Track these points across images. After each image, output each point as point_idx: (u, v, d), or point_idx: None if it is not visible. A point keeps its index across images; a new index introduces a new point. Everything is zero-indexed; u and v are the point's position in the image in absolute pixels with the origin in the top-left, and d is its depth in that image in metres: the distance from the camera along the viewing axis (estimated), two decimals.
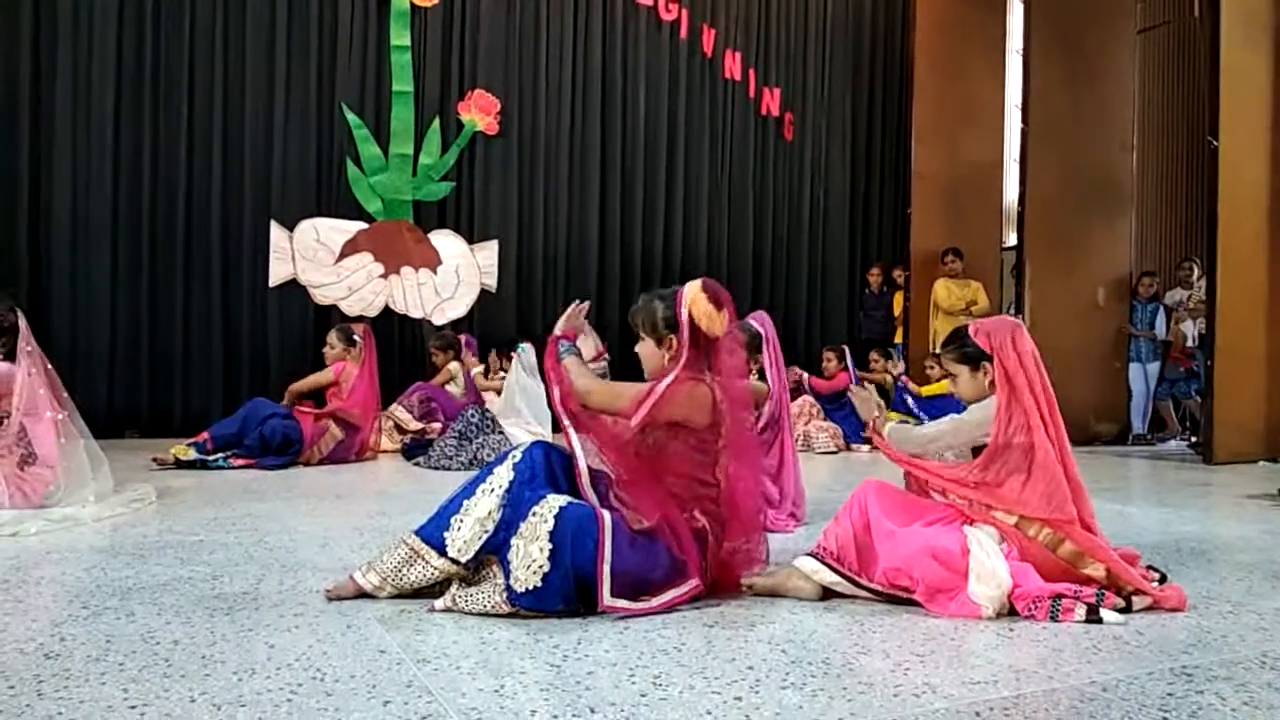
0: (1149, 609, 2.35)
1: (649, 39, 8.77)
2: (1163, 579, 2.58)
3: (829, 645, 2.04)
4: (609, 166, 8.61)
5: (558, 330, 2.60)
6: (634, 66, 8.70)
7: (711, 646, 2.00)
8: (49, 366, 3.63)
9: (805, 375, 7.65)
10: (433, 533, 2.28)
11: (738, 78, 9.19)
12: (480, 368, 6.80)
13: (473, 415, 5.75)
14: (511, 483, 2.29)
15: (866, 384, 7.67)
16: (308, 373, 5.97)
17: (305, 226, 7.38)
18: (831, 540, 2.46)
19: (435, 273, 7.81)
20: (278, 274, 7.27)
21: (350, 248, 7.52)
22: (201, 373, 7.09)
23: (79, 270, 6.72)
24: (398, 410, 6.31)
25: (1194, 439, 7.86)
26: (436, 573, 2.27)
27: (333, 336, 5.92)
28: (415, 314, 7.77)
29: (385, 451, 6.15)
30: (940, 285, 8.58)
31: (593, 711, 1.61)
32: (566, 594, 2.15)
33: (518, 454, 2.36)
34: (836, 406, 7.41)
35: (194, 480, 4.63)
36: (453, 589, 2.25)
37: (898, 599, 2.36)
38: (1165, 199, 9.84)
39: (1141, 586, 2.36)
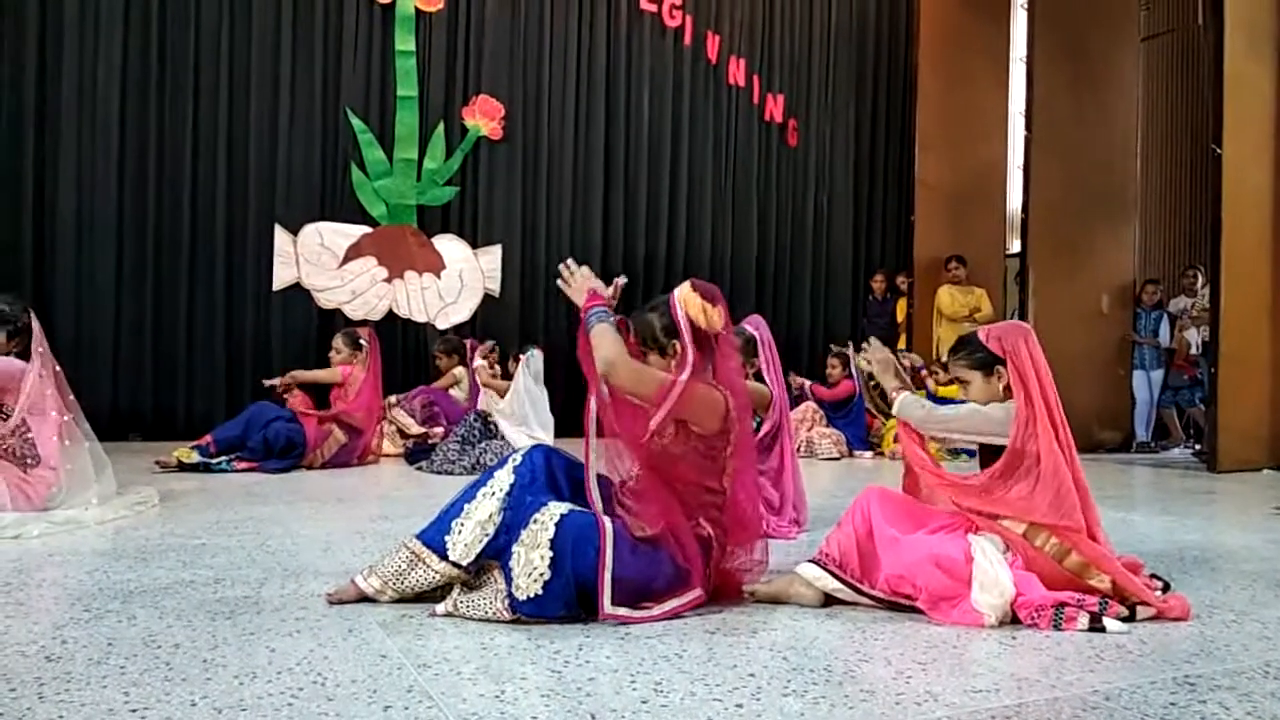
0: (1152, 618, 2.34)
1: (653, 45, 8.79)
2: (1166, 587, 2.57)
3: (831, 652, 2.03)
4: (612, 172, 8.63)
5: (577, 299, 2.41)
6: (638, 72, 8.72)
7: (713, 653, 2.00)
8: (57, 369, 3.64)
9: (807, 383, 7.64)
10: (434, 536, 2.28)
11: (741, 84, 9.20)
12: (483, 363, 6.73)
13: (475, 420, 5.76)
14: (512, 486, 2.29)
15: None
16: None
17: (309, 230, 7.39)
18: (834, 547, 2.45)
19: (439, 277, 7.82)
20: (282, 278, 7.29)
21: (354, 252, 7.53)
22: (205, 376, 7.11)
23: (83, 272, 6.74)
24: (398, 413, 6.31)
25: (1198, 447, 7.85)
26: (437, 576, 2.27)
27: (339, 341, 5.93)
28: (419, 318, 7.77)
29: (388, 456, 6.16)
30: (944, 292, 8.59)
31: (594, 718, 1.60)
32: (568, 601, 2.15)
33: (518, 457, 2.36)
34: (841, 414, 7.40)
35: (197, 483, 4.64)
36: (454, 594, 2.25)
37: (900, 606, 2.35)
38: (1169, 206, 9.84)
39: (1147, 599, 2.34)
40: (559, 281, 2.48)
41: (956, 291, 8.57)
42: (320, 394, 5.86)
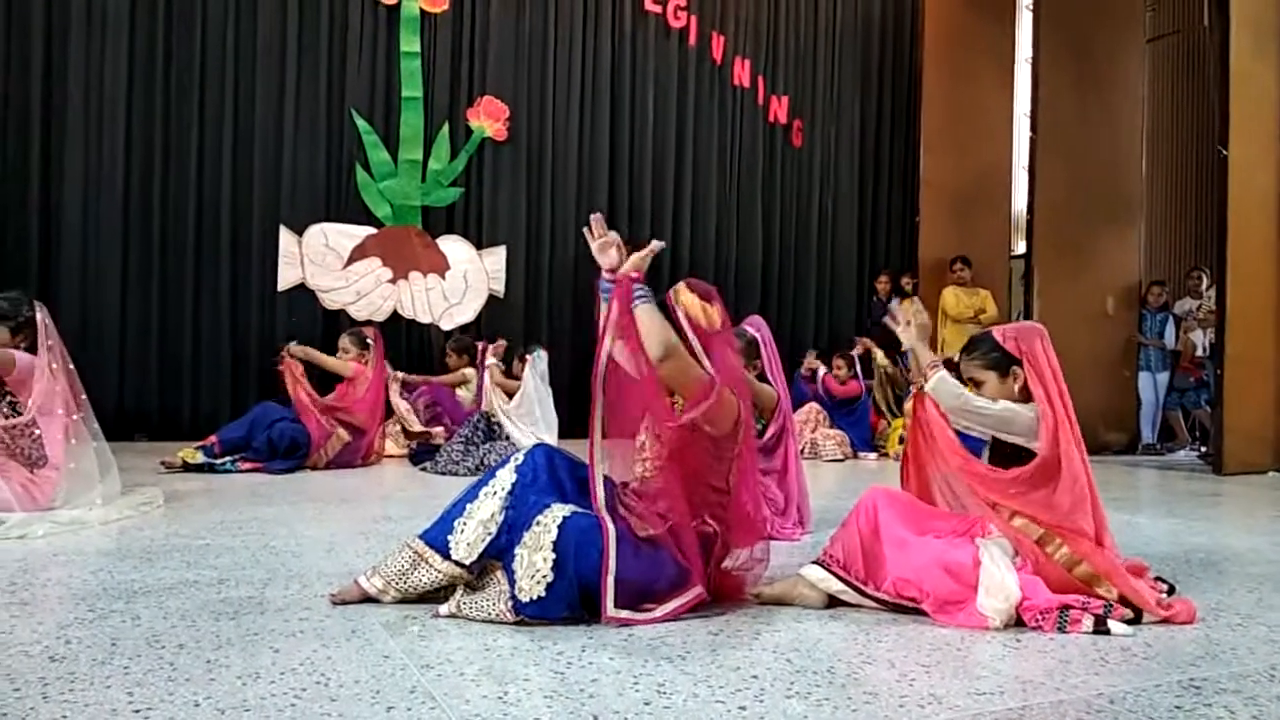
0: (1158, 621, 2.33)
1: (657, 46, 8.79)
2: (1171, 590, 2.57)
3: (834, 654, 2.03)
4: (617, 173, 8.63)
5: (628, 268, 2.33)
6: (642, 73, 8.72)
7: (716, 655, 1.99)
8: (70, 365, 3.64)
9: (821, 368, 7.60)
10: (436, 536, 2.28)
11: (746, 85, 9.20)
12: (495, 362, 6.68)
13: (479, 421, 5.77)
14: (514, 484, 2.29)
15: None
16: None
17: (314, 231, 7.40)
18: (838, 548, 2.45)
19: (443, 278, 7.82)
20: (286, 278, 7.29)
21: (359, 253, 7.54)
22: (210, 376, 7.12)
23: (89, 273, 6.75)
24: (400, 403, 6.32)
25: (1203, 449, 7.82)
26: (440, 576, 2.27)
27: (345, 341, 5.94)
28: (423, 319, 7.78)
29: (391, 456, 6.17)
30: (949, 293, 8.58)
31: (596, 719, 1.60)
32: (571, 602, 2.15)
33: (520, 456, 2.36)
34: (845, 413, 7.40)
35: (201, 484, 4.64)
36: (457, 595, 2.24)
37: (904, 608, 2.35)
38: (1175, 208, 9.82)
39: (1155, 611, 2.33)
40: (586, 230, 2.40)
41: (961, 292, 8.56)
42: (323, 388, 5.83)
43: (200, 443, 5.26)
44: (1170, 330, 8.33)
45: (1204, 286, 8.23)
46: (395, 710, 1.62)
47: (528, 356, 6.06)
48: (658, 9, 8.71)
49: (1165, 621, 2.33)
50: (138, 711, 1.58)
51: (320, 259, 7.40)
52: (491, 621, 2.17)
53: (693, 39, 8.90)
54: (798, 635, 2.17)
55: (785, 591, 2.45)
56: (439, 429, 6.26)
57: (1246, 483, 5.96)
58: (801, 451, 5.12)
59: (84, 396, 3.67)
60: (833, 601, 2.42)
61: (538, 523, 2.16)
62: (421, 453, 5.95)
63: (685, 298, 2.40)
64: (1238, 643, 2.20)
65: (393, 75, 7.73)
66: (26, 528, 3.17)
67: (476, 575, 2.27)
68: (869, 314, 9.49)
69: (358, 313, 7.48)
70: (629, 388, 2.30)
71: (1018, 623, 2.27)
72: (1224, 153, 6.46)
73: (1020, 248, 9.11)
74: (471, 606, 2.19)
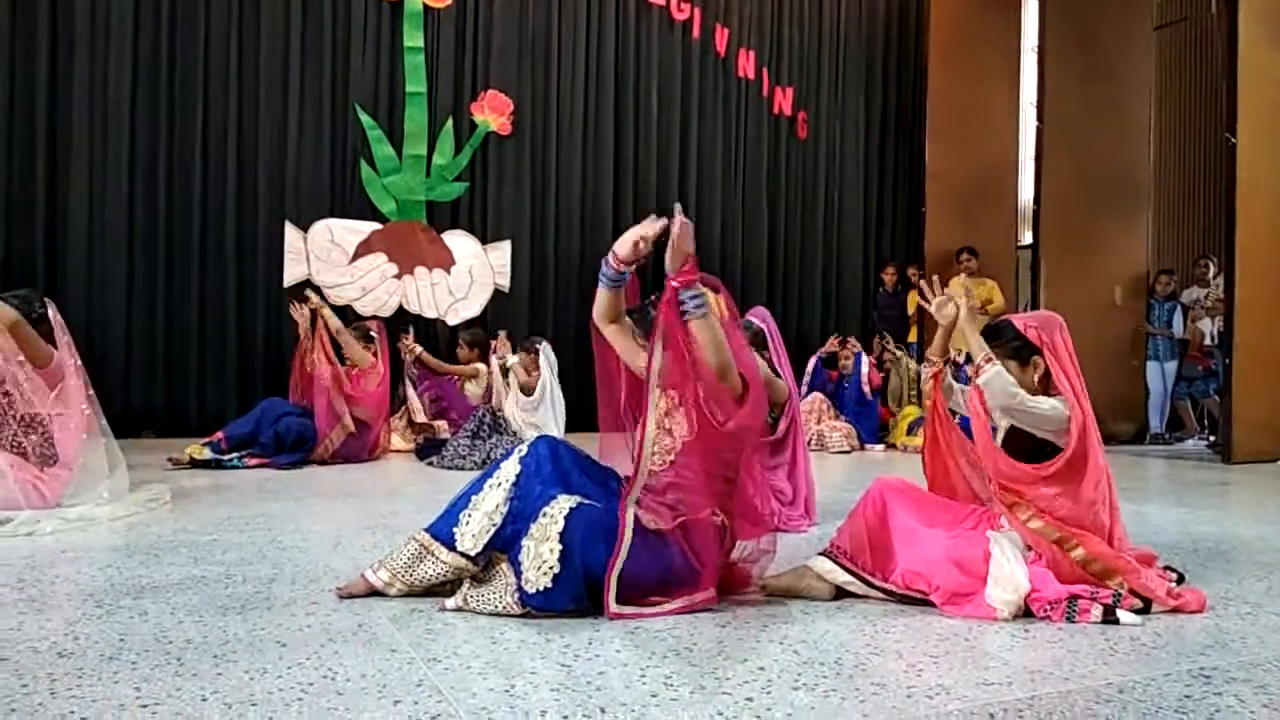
0: (1168, 610, 2.32)
1: (661, 38, 8.76)
2: (1180, 579, 2.56)
3: (841, 646, 2.02)
4: (621, 166, 8.61)
5: (672, 267, 2.18)
6: (646, 66, 8.69)
7: (723, 647, 1.99)
8: (78, 363, 3.66)
9: (866, 358, 7.54)
10: (442, 529, 2.29)
11: (751, 76, 9.17)
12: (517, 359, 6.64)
13: (485, 415, 5.77)
14: (518, 476, 2.29)
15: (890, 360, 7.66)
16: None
17: (319, 227, 7.41)
18: (845, 539, 2.44)
19: (449, 273, 7.82)
20: (292, 274, 7.30)
21: (364, 248, 7.54)
22: (217, 373, 7.13)
23: (95, 270, 6.77)
24: (409, 391, 6.35)
25: (1212, 438, 7.79)
26: (446, 568, 2.27)
27: (348, 336, 5.94)
28: (429, 314, 7.78)
29: (398, 451, 6.18)
30: (955, 284, 8.53)
31: (603, 712, 1.60)
32: (577, 594, 2.14)
33: (524, 448, 2.36)
34: (855, 404, 7.37)
35: (209, 480, 4.66)
36: (464, 588, 2.24)
37: (911, 599, 2.34)
38: (1182, 197, 9.77)
39: (1164, 600, 2.31)
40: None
41: (969, 283, 8.51)
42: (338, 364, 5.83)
43: (208, 439, 5.28)
44: (1178, 319, 8.29)
45: (1211, 275, 8.20)
46: (402, 704, 1.62)
47: (537, 348, 6.07)
48: (661, 1, 8.68)
49: (1174, 611, 2.32)
50: (145, 706, 1.58)
51: (325, 255, 7.40)
52: (498, 614, 2.17)
53: (696, 31, 8.87)
54: (805, 627, 2.17)
55: (792, 583, 2.44)
56: (443, 423, 6.27)
57: (1255, 471, 5.93)
58: (808, 443, 5.11)
59: (91, 392, 3.68)
60: (840, 593, 2.41)
61: (544, 514, 2.16)
62: (428, 447, 5.96)
63: None
64: (1247, 631, 2.19)
65: (397, 70, 7.72)
66: (34, 524, 3.18)
67: (482, 568, 2.27)
68: (875, 305, 9.48)
69: (363, 308, 7.48)
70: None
71: (1026, 613, 2.26)
72: (1232, 140, 6.42)
73: (1027, 238, 9.07)
74: (478, 600, 2.20)
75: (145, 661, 1.82)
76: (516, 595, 2.15)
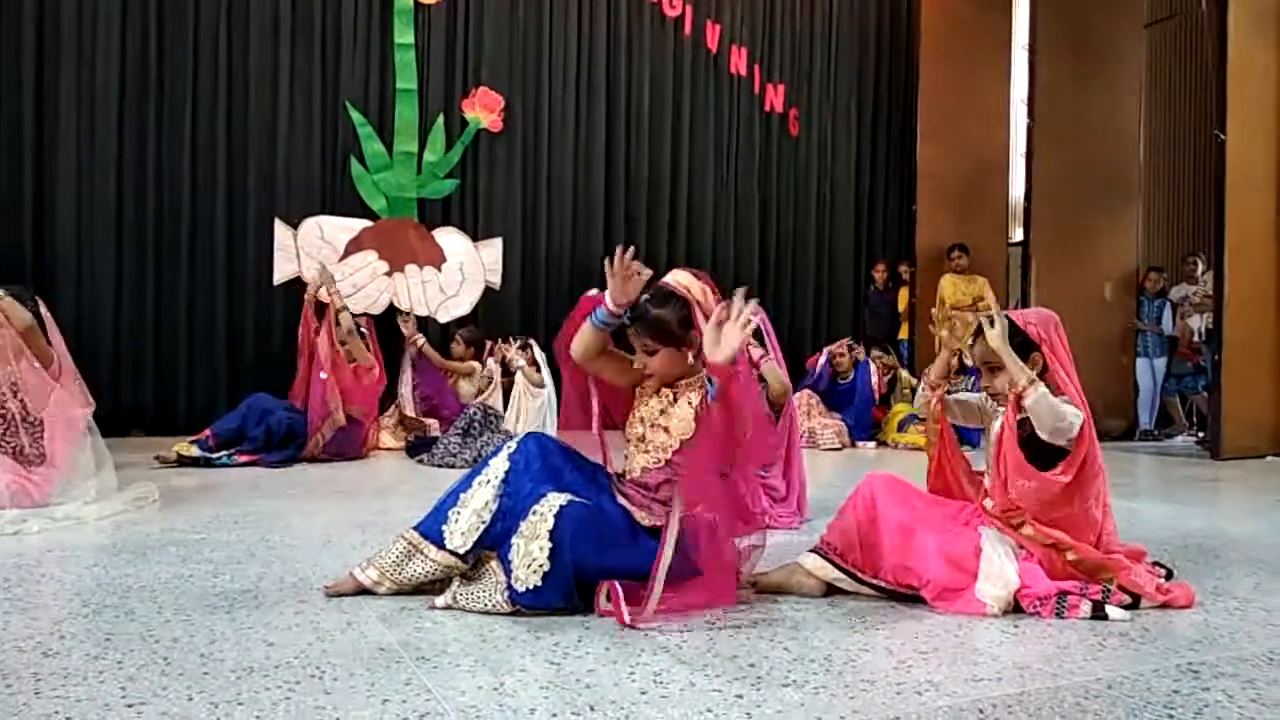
0: (1156, 605, 2.33)
1: (653, 35, 8.74)
2: (1169, 575, 2.56)
3: (831, 642, 2.02)
4: (613, 163, 8.59)
5: (724, 349, 2.15)
6: (638, 62, 8.67)
7: (713, 643, 1.99)
8: (69, 362, 3.65)
9: (873, 363, 7.54)
10: (431, 527, 2.27)
11: (742, 73, 9.16)
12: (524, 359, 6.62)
13: (476, 413, 5.76)
14: (507, 472, 2.28)
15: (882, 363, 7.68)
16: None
17: (310, 224, 7.37)
18: (836, 536, 2.44)
19: (439, 270, 7.79)
20: (282, 272, 7.26)
21: (354, 245, 7.50)
22: (206, 371, 7.10)
23: (83, 267, 6.72)
24: (402, 387, 6.33)
25: (1201, 434, 7.83)
26: (435, 566, 2.26)
27: (356, 340, 5.93)
28: (420, 311, 7.75)
29: (389, 449, 6.16)
30: (946, 281, 8.55)
31: (593, 709, 1.60)
32: (567, 592, 2.14)
33: (513, 444, 2.34)
34: (846, 400, 7.38)
35: (197, 478, 4.63)
36: (453, 586, 2.24)
37: (901, 596, 2.34)
38: (1172, 193, 9.80)
39: (1153, 596, 2.32)
40: (605, 261, 2.26)
41: (959, 280, 8.54)
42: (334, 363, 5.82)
43: (195, 436, 5.25)
44: (1167, 316, 8.33)
45: (1199, 271, 8.22)
46: (390, 703, 1.61)
47: (530, 345, 6.07)
48: None
49: (1163, 606, 2.33)
50: (131, 706, 1.57)
51: (316, 252, 7.36)
52: (488, 612, 2.16)
53: (688, 27, 8.85)
54: (795, 623, 2.17)
55: (783, 580, 2.44)
56: (434, 421, 6.25)
57: (1244, 468, 5.96)
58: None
59: (88, 395, 3.67)
60: (831, 589, 2.42)
61: (534, 511, 2.15)
62: (418, 445, 5.94)
63: (689, 282, 2.38)
64: (1236, 627, 2.19)
65: (387, 67, 7.69)
66: (21, 524, 3.16)
67: (472, 566, 2.26)
68: (866, 302, 9.48)
69: (354, 306, 7.42)
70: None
71: (1016, 609, 2.26)
72: (1221, 137, 6.44)
73: (1018, 235, 9.08)
74: (467, 598, 2.19)
75: (131, 661, 1.81)
76: (506, 593, 2.14)
